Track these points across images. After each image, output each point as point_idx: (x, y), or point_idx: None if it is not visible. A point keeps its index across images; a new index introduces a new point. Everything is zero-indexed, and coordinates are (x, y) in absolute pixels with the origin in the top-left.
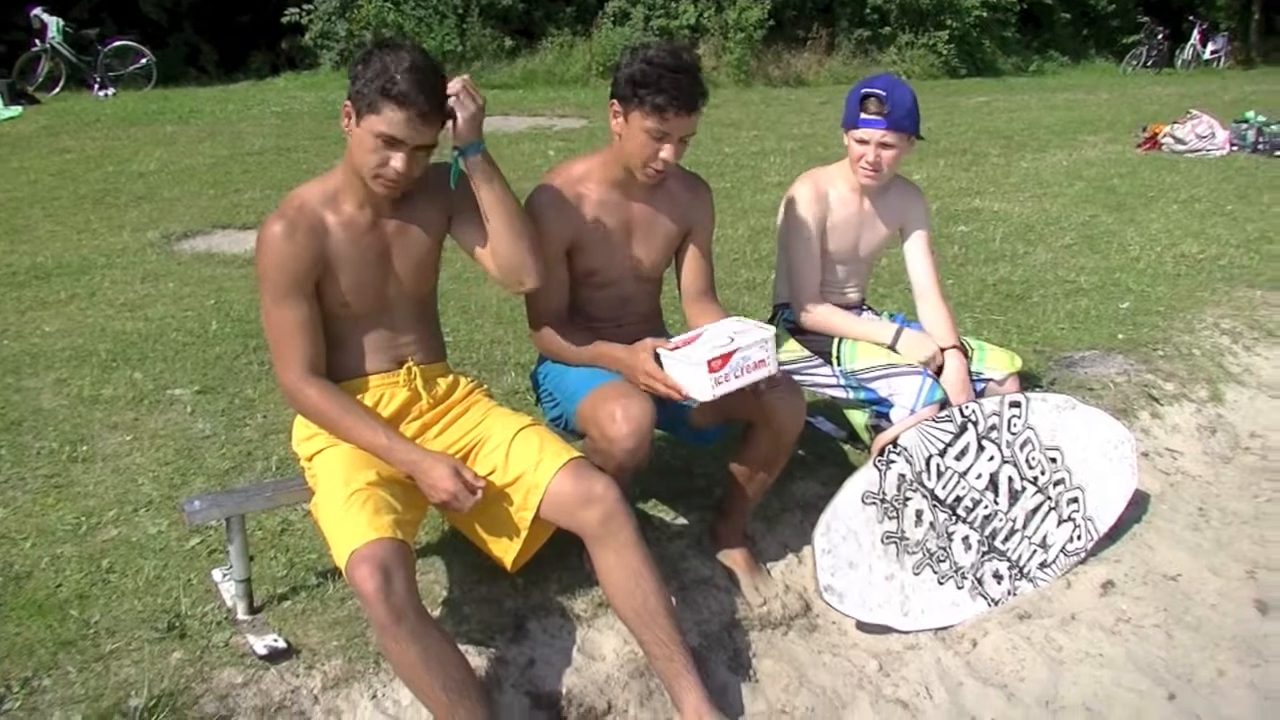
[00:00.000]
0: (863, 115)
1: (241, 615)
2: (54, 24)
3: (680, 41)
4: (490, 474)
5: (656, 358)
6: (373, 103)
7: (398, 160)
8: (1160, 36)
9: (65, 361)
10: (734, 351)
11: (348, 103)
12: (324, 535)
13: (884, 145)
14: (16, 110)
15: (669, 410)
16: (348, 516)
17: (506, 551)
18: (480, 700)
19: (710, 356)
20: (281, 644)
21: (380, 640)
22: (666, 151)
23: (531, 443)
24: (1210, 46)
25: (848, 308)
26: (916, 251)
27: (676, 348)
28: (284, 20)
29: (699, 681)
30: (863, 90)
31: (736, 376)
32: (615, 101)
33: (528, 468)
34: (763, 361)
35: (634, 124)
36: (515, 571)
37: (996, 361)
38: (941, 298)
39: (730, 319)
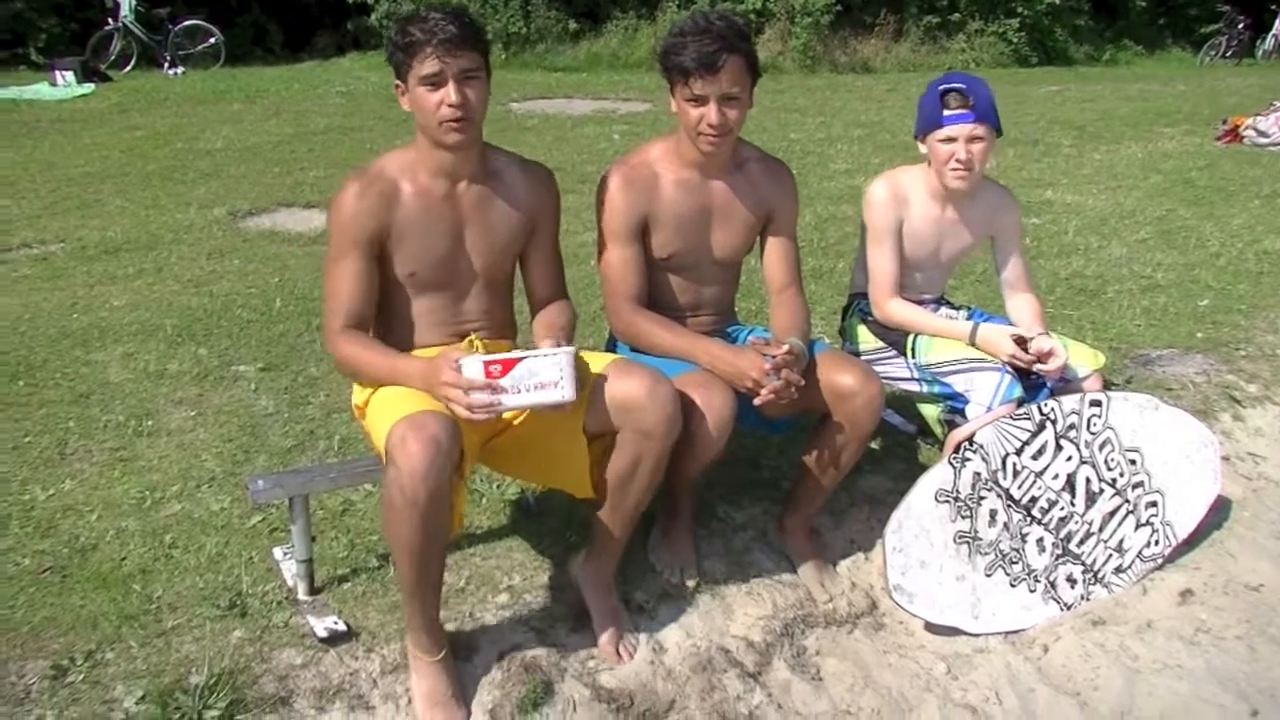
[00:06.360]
0: (945, 112)
1: (302, 596)
2: (126, 3)
3: (717, 10)
4: None
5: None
6: (405, 61)
7: (448, 93)
8: (1241, 26)
9: (132, 336)
10: (519, 361)
11: (396, 83)
12: (374, 437)
13: (974, 139)
14: (89, 87)
15: (739, 399)
16: (401, 401)
17: (575, 474)
18: (440, 586)
19: (489, 359)
20: (341, 626)
21: (394, 514)
22: (708, 115)
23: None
24: None
25: (922, 304)
26: (1009, 259)
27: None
28: (350, 1)
29: (610, 568)
30: (941, 87)
31: (517, 392)
32: (665, 80)
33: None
34: (555, 383)
35: (677, 96)
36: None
37: (1080, 357)
38: (1034, 293)
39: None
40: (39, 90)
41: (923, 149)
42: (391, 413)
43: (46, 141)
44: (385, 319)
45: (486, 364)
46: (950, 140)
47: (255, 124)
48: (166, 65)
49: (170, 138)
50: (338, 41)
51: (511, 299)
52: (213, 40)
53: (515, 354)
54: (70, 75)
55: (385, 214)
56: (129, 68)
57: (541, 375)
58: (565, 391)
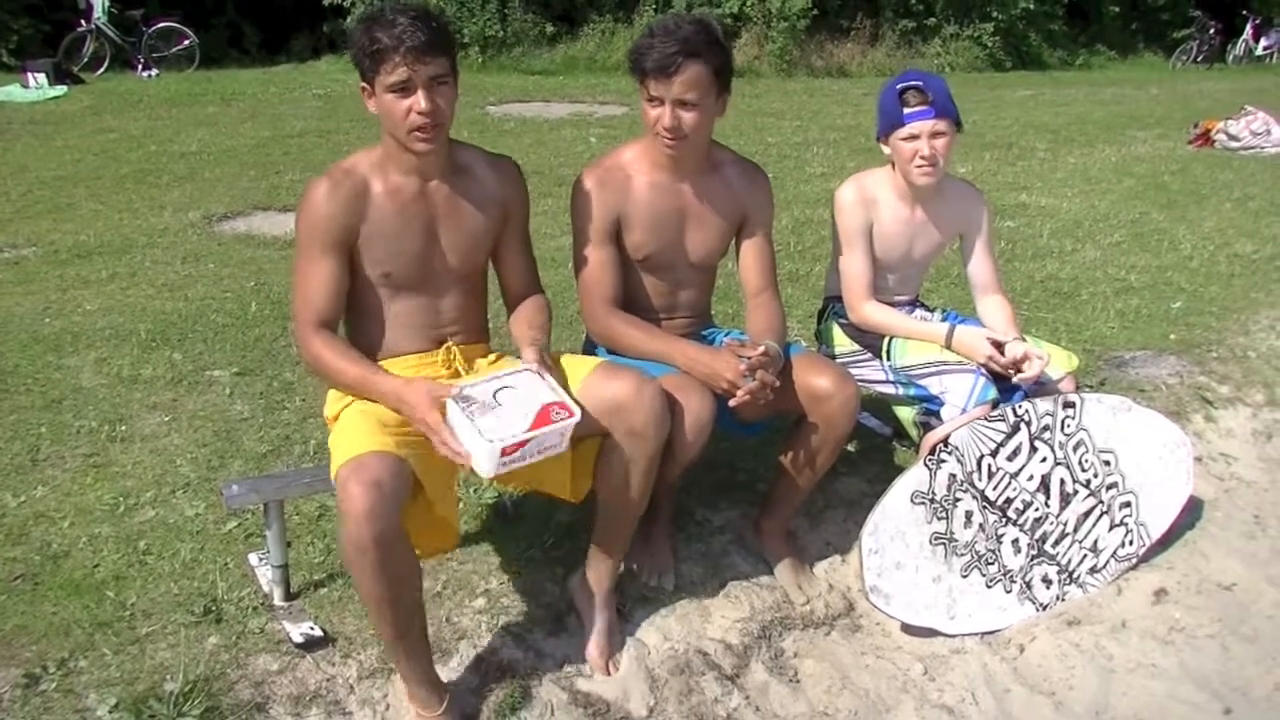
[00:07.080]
0: (906, 110)
1: (278, 601)
2: (99, 5)
3: (693, 14)
4: None
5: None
6: (372, 66)
7: (418, 100)
8: (1212, 31)
9: (105, 340)
10: (528, 441)
11: (362, 85)
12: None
13: (936, 135)
14: (62, 90)
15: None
16: (354, 437)
17: (560, 477)
18: (425, 636)
19: (507, 444)
20: (318, 632)
21: (351, 565)
22: (662, 118)
23: (560, 362)
24: (1264, 41)
25: (896, 306)
26: (978, 256)
27: (470, 398)
28: (326, 3)
29: (612, 578)
30: (898, 86)
31: (520, 460)
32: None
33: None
34: (556, 447)
35: (641, 95)
36: (581, 501)
37: (1054, 359)
38: (1004, 294)
39: (528, 373)
40: (10, 92)
41: (886, 150)
42: (344, 450)
43: (18, 144)
44: (360, 322)
45: (505, 448)
46: (913, 138)
47: (231, 127)
48: (140, 67)
49: (144, 140)
50: (314, 44)
51: (486, 301)
52: (187, 42)
53: (523, 434)
54: (42, 77)
55: (357, 213)
56: (102, 70)
57: (547, 442)
58: (563, 448)
